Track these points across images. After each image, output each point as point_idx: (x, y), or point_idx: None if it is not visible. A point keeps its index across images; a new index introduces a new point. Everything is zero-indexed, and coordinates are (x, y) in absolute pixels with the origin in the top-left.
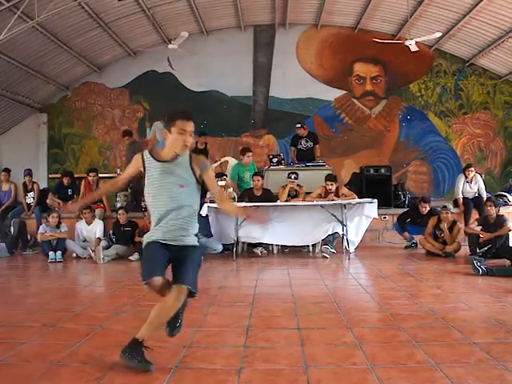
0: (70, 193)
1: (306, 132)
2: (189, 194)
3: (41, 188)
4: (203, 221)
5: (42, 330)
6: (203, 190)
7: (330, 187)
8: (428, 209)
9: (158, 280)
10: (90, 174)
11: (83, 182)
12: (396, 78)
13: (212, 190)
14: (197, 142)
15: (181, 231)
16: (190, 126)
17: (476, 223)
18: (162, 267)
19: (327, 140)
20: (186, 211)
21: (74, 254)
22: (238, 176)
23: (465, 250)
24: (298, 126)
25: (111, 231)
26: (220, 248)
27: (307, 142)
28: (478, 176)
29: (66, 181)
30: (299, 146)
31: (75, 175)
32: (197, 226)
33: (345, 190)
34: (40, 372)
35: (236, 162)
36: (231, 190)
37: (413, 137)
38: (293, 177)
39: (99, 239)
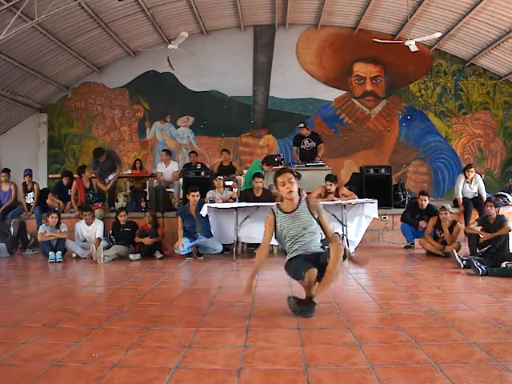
0: (69, 193)
1: (309, 132)
2: (311, 234)
3: (41, 188)
4: (203, 221)
5: (42, 330)
6: (203, 190)
7: (330, 187)
8: (427, 202)
9: (313, 270)
10: (86, 172)
11: (75, 181)
12: (396, 78)
13: (325, 231)
14: (221, 162)
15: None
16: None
17: (476, 223)
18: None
19: (327, 140)
20: (308, 239)
21: (74, 254)
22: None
23: (465, 250)
24: (301, 125)
25: (111, 231)
26: (220, 248)
27: (310, 141)
28: (478, 176)
29: (65, 181)
30: (302, 146)
31: (75, 175)
32: (319, 239)
33: (345, 190)
34: (40, 372)
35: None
36: (236, 190)
37: (413, 137)
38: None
39: (99, 239)
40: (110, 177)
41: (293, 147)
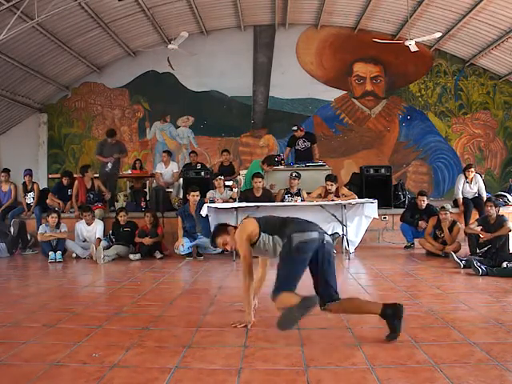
0: (69, 193)
1: (303, 133)
2: None
3: (41, 188)
4: (203, 221)
5: (42, 330)
6: (203, 190)
7: (330, 187)
8: (426, 202)
9: None
10: (89, 172)
11: (76, 181)
12: (396, 78)
13: None
14: (222, 162)
15: None
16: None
17: (476, 223)
18: None
19: (327, 140)
20: None
21: (74, 254)
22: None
23: (465, 250)
24: (295, 128)
25: (111, 231)
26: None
27: (305, 142)
28: (478, 176)
29: (65, 181)
30: (297, 147)
31: (75, 175)
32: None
33: (345, 190)
34: (40, 372)
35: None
36: (236, 190)
37: (413, 137)
38: (293, 175)
39: (99, 239)
40: (109, 164)
41: (286, 148)
